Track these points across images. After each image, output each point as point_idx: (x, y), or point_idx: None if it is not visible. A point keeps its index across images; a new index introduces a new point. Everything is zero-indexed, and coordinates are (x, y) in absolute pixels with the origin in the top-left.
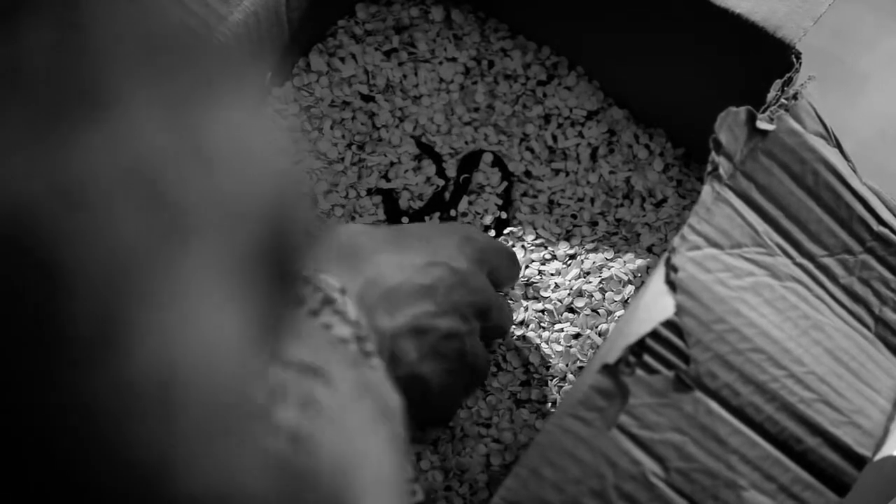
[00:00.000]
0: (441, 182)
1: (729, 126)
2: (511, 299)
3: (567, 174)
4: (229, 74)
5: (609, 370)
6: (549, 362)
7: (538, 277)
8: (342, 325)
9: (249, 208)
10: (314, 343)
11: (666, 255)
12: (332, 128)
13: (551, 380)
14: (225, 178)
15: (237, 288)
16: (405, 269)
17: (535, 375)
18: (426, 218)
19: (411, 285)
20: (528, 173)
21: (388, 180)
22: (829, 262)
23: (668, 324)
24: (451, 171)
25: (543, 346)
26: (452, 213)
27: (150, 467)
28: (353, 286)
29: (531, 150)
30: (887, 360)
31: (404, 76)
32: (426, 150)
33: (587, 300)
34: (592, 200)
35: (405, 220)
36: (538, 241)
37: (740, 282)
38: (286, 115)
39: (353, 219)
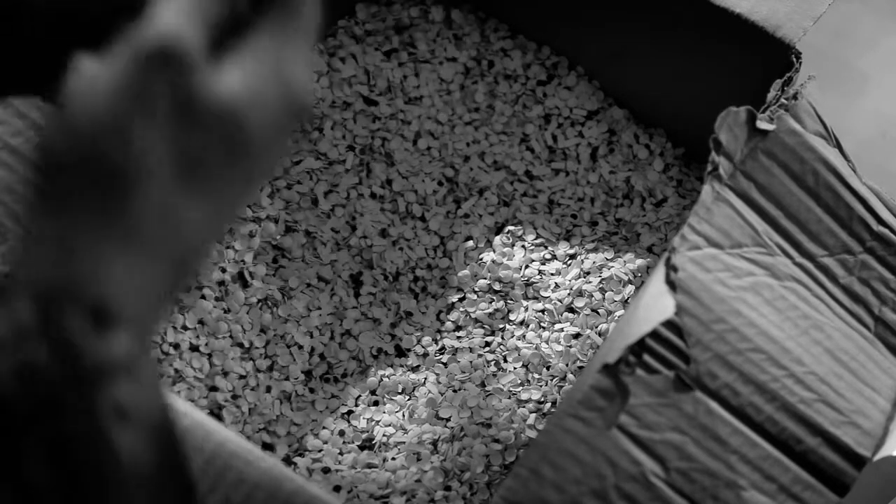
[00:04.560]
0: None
1: (729, 126)
2: (511, 299)
3: (567, 174)
4: None
5: (609, 370)
6: (549, 362)
7: (538, 277)
8: None
9: None
10: None
11: (666, 254)
12: (332, 128)
13: (551, 380)
14: None
15: None
16: None
17: (535, 375)
18: None
19: None
20: (528, 173)
21: (390, 182)
22: (828, 262)
23: (668, 324)
24: None
25: (543, 346)
26: None
27: None
28: None
29: (531, 150)
30: (887, 360)
31: (405, 77)
32: None
33: (587, 300)
34: (592, 200)
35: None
36: (538, 241)
37: (740, 282)
38: None
39: (353, 219)
